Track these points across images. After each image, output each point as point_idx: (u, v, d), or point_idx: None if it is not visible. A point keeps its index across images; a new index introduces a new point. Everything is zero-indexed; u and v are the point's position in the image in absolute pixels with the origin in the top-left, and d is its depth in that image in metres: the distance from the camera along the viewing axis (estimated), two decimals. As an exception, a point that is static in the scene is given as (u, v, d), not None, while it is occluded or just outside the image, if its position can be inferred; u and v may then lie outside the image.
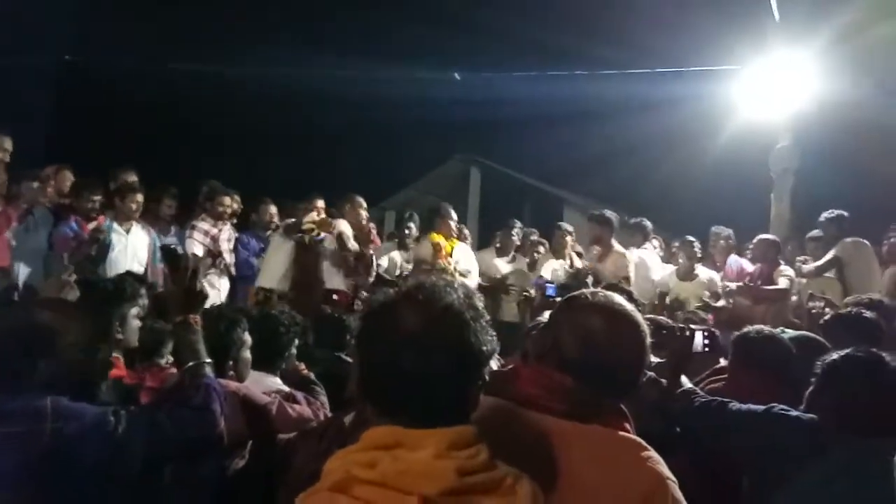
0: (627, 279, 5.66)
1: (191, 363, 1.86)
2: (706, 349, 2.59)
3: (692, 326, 2.69)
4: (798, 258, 6.27)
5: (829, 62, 7.13)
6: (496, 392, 1.50)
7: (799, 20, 7.32)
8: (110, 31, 10.66)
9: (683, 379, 2.52)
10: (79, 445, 1.63)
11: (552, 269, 6.57)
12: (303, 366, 3.09)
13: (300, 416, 2.51)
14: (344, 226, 5.77)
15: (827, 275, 5.85)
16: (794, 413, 2.24)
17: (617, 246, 5.91)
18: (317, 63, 10.07)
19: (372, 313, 1.30)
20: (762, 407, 2.28)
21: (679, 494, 1.45)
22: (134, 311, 2.73)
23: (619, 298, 1.60)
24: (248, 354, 2.61)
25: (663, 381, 2.50)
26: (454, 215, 6.13)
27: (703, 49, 8.36)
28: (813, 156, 7.78)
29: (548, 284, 5.77)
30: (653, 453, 1.49)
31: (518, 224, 6.80)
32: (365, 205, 6.09)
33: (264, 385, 2.65)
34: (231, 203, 5.98)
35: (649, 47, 9.08)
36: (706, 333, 2.61)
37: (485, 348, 1.25)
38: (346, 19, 12.46)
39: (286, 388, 2.74)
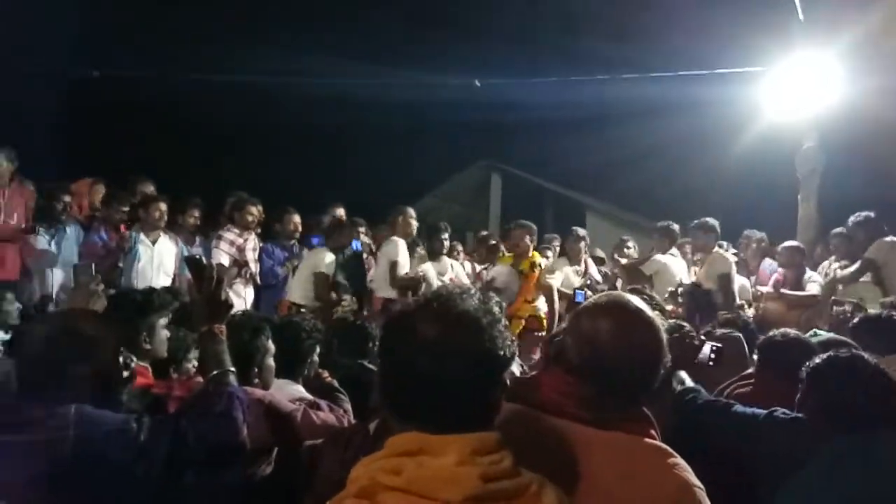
0: (726, 276, 5.64)
1: (215, 372, 1.89)
2: (711, 363, 2.57)
3: (703, 338, 2.68)
4: (835, 264, 6.14)
5: (854, 62, 7.02)
6: (520, 398, 1.50)
7: (824, 20, 7.22)
8: (124, 45, 10.86)
9: (685, 377, 2.50)
10: (101, 452, 1.66)
11: (565, 274, 6.54)
12: (326, 373, 3.11)
13: (325, 423, 2.52)
14: (399, 254, 5.82)
15: (863, 279, 5.72)
16: (791, 415, 2.27)
17: (717, 249, 5.96)
18: (336, 70, 10.15)
19: (390, 322, 1.32)
20: (764, 412, 2.30)
21: (707, 502, 1.43)
22: (162, 321, 2.77)
23: (630, 299, 1.57)
24: (271, 362, 2.63)
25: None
26: (524, 236, 5.96)
27: (727, 51, 8.27)
28: (839, 156, 7.66)
29: (577, 290, 5.78)
30: (679, 460, 1.47)
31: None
32: (415, 215, 6.14)
33: (287, 393, 2.67)
34: (257, 213, 6.05)
35: (673, 49, 9.02)
36: (715, 347, 2.59)
37: (502, 353, 1.26)
38: (366, 26, 12.56)
39: (309, 396, 2.75)
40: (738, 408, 2.36)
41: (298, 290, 5.81)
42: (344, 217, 6.64)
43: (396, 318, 1.31)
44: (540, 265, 6.00)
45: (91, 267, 2.89)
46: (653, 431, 1.51)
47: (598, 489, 1.40)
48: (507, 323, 1.32)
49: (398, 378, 1.27)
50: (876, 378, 2.20)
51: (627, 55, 8.99)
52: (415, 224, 6.12)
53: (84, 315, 2.06)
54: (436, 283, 6.16)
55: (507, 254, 6.36)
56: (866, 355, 2.31)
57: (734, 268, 5.90)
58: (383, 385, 1.30)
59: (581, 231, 7.11)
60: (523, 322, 5.74)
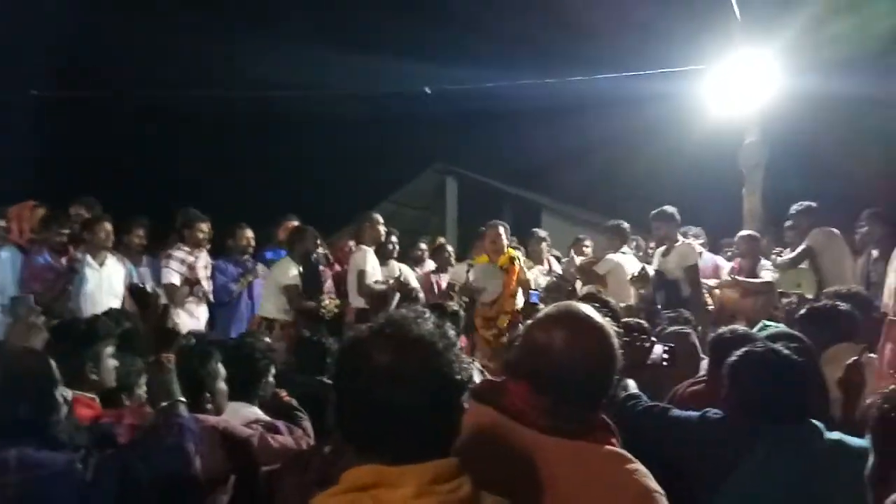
0: (695, 268, 5.71)
1: (164, 403, 1.84)
2: (664, 363, 2.62)
3: (653, 339, 2.75)
4: (774, 250, 6.34)
5: (791, 59, 7.26)
6: (491, 401, 1.51)
7: (760, 18, 7.45)
8: (74, 63, 10.57)
9: (631, 384, 2.54)
10: (46, 496, 1.61)
11: (533, 275, 6.61)
12: (284, 392, 3.05)
13: (283, 446, 2.47)
14: (366, 263, 5.79)
15: (801, 266, 5.91)
16: (721, 415, 2.28)
17: (683, 239, 5.99)
18: (286, 81, 10.05)
19: (344, 351, 1.29)
20: (697, 414, 2.32)
21: None
22: (108, 349, 2.68)
23: (581, 308, 1.58)
24: (223, 385, 2.56)
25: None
26: (501, 231, 6.03)
27: (668, 49, 8.47)
28: (781, 150, 7.90)
29: (531, 291, 5.84)
30: (639, 466, 1.49)
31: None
32: (382, 220, 6.11)
33: (242, 415, 2.61)
34: (207, 229, 5.90)
35: (618, 48, 9.21)
36: (666, 347, 2.64)
37: (458, 377, 1.25)
38: (317, 34, 12.47)
39: (266, 417, 2.70)
40: (675, 412, 2.38)
41: (268, 305, 5.75)
42: (296, 226, 6.56)
43: (350, 346, 1.28)
44: (518, 258, 6.06)
45: (30, 299, 2.77)
46: (614, 440, 1.53)
47: (560, 499, 1.41)
48: (462, 346, 1.31)
49: (354, 407, 1.24)
50: (789, 371, 2.21)
51: (575, 55, 9.15)
52: (382, 230, 6.10)
53: (22, 353, 1.98)
54: (413, 282, 6.26)
55: (480, 254, 6.37)
56: (781, 348, 2.31)
57: (700, 258, 6.01)
58: (339, 415, 1.28)
59: (541, 232, 7.24)
60: (510, 317, 5.77)
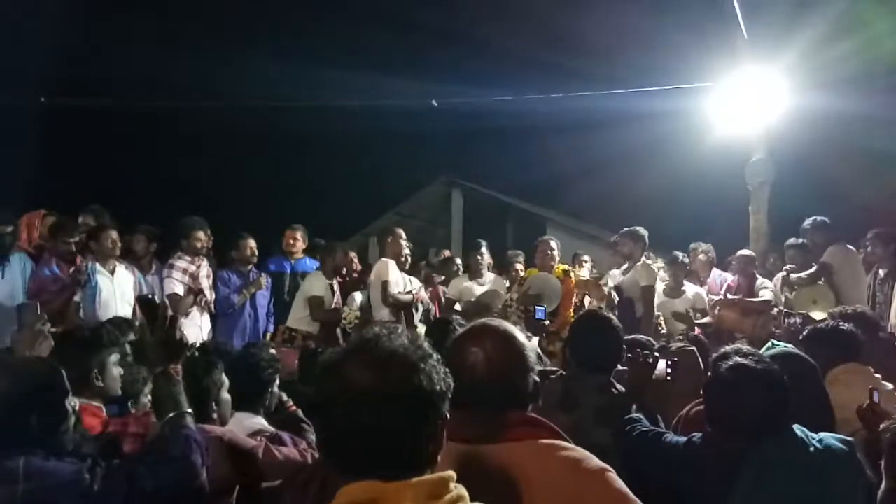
0: (650, 288, 5.74)
1: (171, 414, 1.85)
2: (668, 377, 2.63)
3: (656, 354, 2.76)
4: (785, 267, 6.28)
5: (797, 77, 7.27)
6: None
7: (767, 37, 7.48)
8: (84, 71, 10.67)
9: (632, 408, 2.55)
10: None
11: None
12: (291, 403, 3.06)
13: (287, 458, 2.46)
14: (389, 274, 5.82)
15: (819, 283, 5.82)
16: (702, 437, 2.26)
17: (643, 258, 6.03)
18: (296, 90, 10.13)
19: (321, 376, 1.28)
20: (684, 439, 2.32)
21: (614, 484, 1.45)
22: (114, 357, 2.69)
23: (490, 321, 1.63)
24: (227, 395, 2.57)
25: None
26: (553, 245, 6.10)
27: (675, 66, 8.50)
28: (787, 168, 7.90)
29: (537, 307, 5.82)
30: (574, 453, 1.49)
31: (484, 244, 6.70)
32: (405, 235, 6.18)
33: (246, 426, 2.61)
34: (205, 238, 5.91)
35: (626, 65, 9.25)
36: (669, 362, 2.65)
37: (437, 388, 1.24)
38: (324, 46, 12.58)
39: (270, 428, 2.70)
40: (667, 437, 2.37)
41: (294, 315, 5.89)
42: (304, 237, 6.63)
43: (326, 369, 1.27)
44: (568, 272, 6.13)
45: (36, 306, 2.78)
46: (547, 433, 1.53)
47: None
48: (438, 356, 1.30)
49: (337, 429, 1.23)
50: (754, 385, 2.18)
51: (581, 70, 9.20)
52: (405, 244, 6.15)
53: (33, 363, 1.99)
54: (424, 295, 6.27)
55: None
56: (749, 362, 2.25)
57: (658, 280, 6.00)
58: (324, 440, 1.27)
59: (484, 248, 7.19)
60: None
